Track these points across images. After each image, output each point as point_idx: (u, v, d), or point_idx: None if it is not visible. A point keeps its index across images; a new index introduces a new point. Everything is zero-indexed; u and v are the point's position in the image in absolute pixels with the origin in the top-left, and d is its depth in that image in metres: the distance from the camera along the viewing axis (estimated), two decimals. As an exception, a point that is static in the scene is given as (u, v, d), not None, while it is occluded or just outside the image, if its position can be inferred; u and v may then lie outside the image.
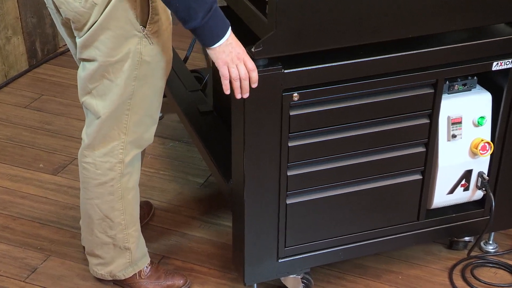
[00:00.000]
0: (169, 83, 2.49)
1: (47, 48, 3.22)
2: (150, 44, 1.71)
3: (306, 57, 1.75)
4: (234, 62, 1.63)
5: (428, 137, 1.93)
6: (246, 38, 1.70)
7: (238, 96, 1.67)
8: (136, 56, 1.71)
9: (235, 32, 1.65)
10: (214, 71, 2.36)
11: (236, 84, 1.66)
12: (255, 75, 1.66)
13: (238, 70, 1.64)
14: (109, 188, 1.86)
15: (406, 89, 1.86)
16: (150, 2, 1.67)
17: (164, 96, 2.20)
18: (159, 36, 1.72)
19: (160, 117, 2.81)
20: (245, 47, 1.71)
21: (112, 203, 1.89)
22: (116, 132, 1.79)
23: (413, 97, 1.87)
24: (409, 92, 1.86)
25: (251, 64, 1.65)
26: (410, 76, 1.83)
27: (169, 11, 1.72)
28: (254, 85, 1.67)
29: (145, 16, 1.68)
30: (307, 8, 1.66)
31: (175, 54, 2.68)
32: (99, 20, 1.66)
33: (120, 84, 1.73)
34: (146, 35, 1.70)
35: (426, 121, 1.91)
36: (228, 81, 1.65)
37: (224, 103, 2.24)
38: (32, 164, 2.57)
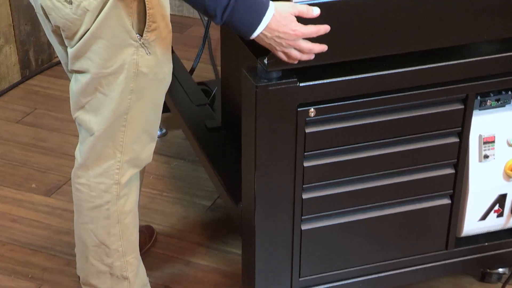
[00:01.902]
0: (174, 97, 2.50)
1: (42, 58, 3.25)
2: (147, 54, 1.71)
3: (323, 70, 1.75)
4: (282, 47, 1.63)
5: (458, 158, 1.92)
6: (262, 47, 1.70)
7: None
8: (132, 67, 1.71)
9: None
10: (223, 83, 2.37)
11: (304, 59, 1.66)
12: (317, 48, 1.66)
13: (291, 54, 1.64)
14: (104, 212, 1.86)
15: (433, 105, 1.85)
16: (147, 8, 1.67)
17: (168, 111, 2.21)
18: (157, 46, 1.72)
19: (164, 133, 2.82)
20: (257, 58, 1.72)
21: (108, 228, 1.89)
22: (111, 151, 1.79)
23: (441, 114, 1.86)
24: (436, 108, 1.85)
25: (305, 46, 1.65)
26: (437, 91, 1.82)
27: (168, 19, 1.73)
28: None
29: (142, 23, 1.68)
30: (325, 17, 1.66)
31: (180, 66, 2.70)
32: (91, 28, 1.66)
33: (115, 97, 1.73)
34: (143, 44, 1.70)
35: (455, 140, 1.91)
36: (290, 60, 1.66)
37: (233, 118, 2.24)
38: (23, 185, 2.58)
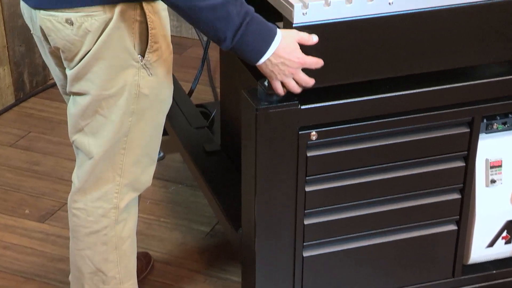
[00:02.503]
0: (171, 119, 2.51)
1: (36, 80, 3.26)
2: (148, 75, 1.73)
3: (325, 92, 1.76)
4: (283, 75, 1.67)
5: (464, 183, 1.93)
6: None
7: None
8: (133, 88, 1.72)
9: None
10: (222, 105, 2.38)
11: (297, 92, 1.71)
12: (312, 83, 1.71)
13: (289, 84, 1.69)
14: (102, 237, 1.87)
15: (438, 128, 1.86)
16: (149, 29, 1.69)
17: (166, 133, 2.22)
18: (158, 67, 1.74)
19: (161, 157, 2.83)
20: (258, 80, 1.74)
21: (106, 254, 1.89)
22: (110, 174, 1.80)
23: (446, 137, 1.87)
24: (441, 131, 1.87)
25: (304, 77, 1.69)
26: (442, 114, 1.84)
27: (169, 39, 1.75)
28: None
29: (144, 44, 1.70)
30: (327, 37, 1.68)
31: (179, 87, 2.71)
32: (92, 49, 1.67)
33: (115, 120, 1.74)
34: (144, 66, 1.72)
35: (461, 164, 1.92)
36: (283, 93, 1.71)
37: (233, 141, 2.26)
38: (16, 210, 2.58)
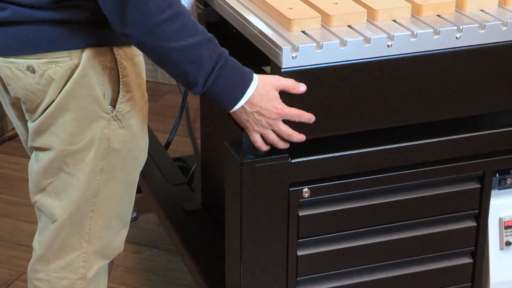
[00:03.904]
0: (146, 175, 2.51)
1: (-8, 131, 3.27)
2: (120, 128, 1.73)
3: (319, 143, 1.77)
4: (261, 126, 1.68)
5: (475, 245, 1.93)
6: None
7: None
8: (103, 143, 1.72)
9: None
10: (203, 159, 2.39)
11: (279, 146, 1.72)
12: (297, 137, 1.71)
13: (268, 136, 1.70)
14: (67, 312, 1.86)
15: (445, 184, 1.87)
16: (120, 76, 1.70)
17: (140, 191, 2.21)
18: (132, 118, 1.74)
19: (133, 217, 2.82)
20: (243, 130, 1.75)
21: (71, 331, 1.88)
22: (76, 240, 1.79)
23: (455, 194, 1.88)
24: (449, 187, 1.87)
25: (285, 129, 1.69)
26: (450, 168, 1.85)
27: (145, 87, 1.76)
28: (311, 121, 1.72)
29: (115, 93, 1.71)
30: (320, 83, 1.70)
31: (154, 139, 2.71)
32: (57, 99, 1.68)
33: (82, 178, 1.74)
34: (115, 117, 1.72)
35: (472, 224, 1.92)
36: (263, 147, 1.72)
37: (215, 200, 2.26)
38: (-32, 280, 2.57)
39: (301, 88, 1.68)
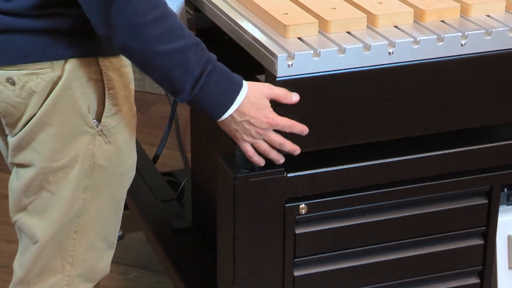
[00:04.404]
0: (133, 191, 2.50)
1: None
2: (106, 143, 1.73)
3: (316, 157, 1.77)
4: (250, 136, 1.67)
5: (483, 264, 1.93)
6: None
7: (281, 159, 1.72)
8: (87, 159, 1.72)
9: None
10: (194, 174, 2.39)
11: (272, 156, 1.71)
12: (289, 146, 1.70)
13: (259, 146, 1.69)
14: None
15: (450, 200, 1.87)
16: (106, 88, 1.69)
17: (126, 208, 2.21)
18: (118, 133, 1.74)
19: (119, 236, 2.81)
20: (236, 143, 1.74)
21: None
22: (59, 262, 1.78)
23: (461, 210, 1.88)
24: (454, 203, 1.87)
25: (276, 138, 1.69)
26: (455, 182, 1.85)
27: (133, 99, 1.75)
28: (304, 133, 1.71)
29: (100, 107, 1.70)
30: (317, 92, 1.70)
31: (142, 152, 2.71)
32: (38, 113, 1.67)
33: (65, 197, 1.73)
34: (100, 132, 1.71)
35: (479, 242, 1.92)
36: (255, 157, 1.71)
37: (207, 217, 2.25)
38: None
39: (294, 98, 1.68)
